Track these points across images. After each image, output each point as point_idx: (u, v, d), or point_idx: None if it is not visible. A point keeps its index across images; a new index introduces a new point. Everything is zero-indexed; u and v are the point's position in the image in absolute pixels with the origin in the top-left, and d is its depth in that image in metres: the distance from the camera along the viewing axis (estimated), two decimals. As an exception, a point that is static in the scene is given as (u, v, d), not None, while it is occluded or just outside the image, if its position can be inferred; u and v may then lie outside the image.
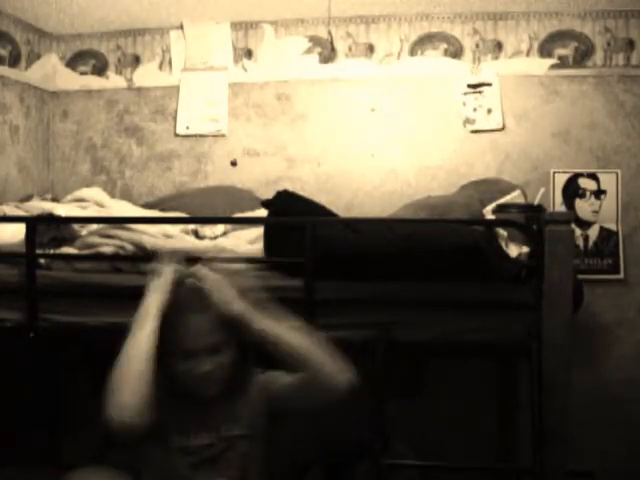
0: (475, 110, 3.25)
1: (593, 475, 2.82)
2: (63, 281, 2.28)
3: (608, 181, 3.15)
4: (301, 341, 1.53)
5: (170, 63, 3.51)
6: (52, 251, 2.35)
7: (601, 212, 3.14)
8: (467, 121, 3.26)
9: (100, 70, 3.59)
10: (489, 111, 3.24)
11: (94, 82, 3.58)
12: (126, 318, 2.19)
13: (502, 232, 2.36)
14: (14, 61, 3.32)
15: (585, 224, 3.15)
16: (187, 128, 3.47)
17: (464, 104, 3.26)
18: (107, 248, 2.29)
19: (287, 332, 1.54)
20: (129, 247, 2.29)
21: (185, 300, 1.58)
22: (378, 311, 2.15)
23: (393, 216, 2.74)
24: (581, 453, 2.82)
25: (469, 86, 3.27)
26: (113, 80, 3.57)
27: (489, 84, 3.25)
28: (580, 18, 3.19)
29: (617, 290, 3.13)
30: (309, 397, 1.57)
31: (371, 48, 3.35)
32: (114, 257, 2.28)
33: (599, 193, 3.15)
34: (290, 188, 2.56)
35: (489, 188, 2.85)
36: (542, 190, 2.91)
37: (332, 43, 3.35)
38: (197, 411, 1.60)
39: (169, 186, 3.47)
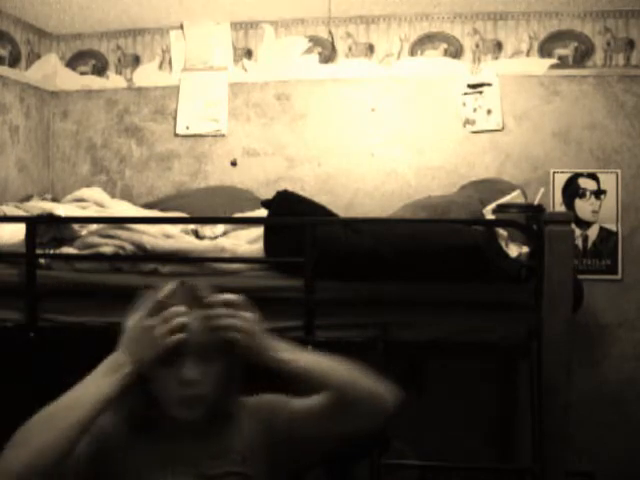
0: (475, 111, 3.25)
1: (593, 475, 2.82)
2: (63, 281, 2.28)
3: (608, 181, 3.15)
4: (339, 371, 1.32)
5: (170, 63, 3.51)
6: (52, 251, 2.35)
7: (601, 212, 3.15)
8: (467, 122, 3.26)
9: (100, 70, 3.59)
10: (489, 112, 3.24)
11: (94, 82, 3.58)
12: (126, 318, 2.22)
13: (502, 232, 2.36)
14: (14, 61, 3.32)
15: (585, 224, 3.15)
16: (187, 128, 3.47)
17: (464, 104, 3.26)
18: (107, 248, 2.29)
19: (328, 363, 1.33)
20: (129, 247, 2.29)
21: (171, 296, 1.30)
22: (378, 311, 2.15)
23: (393, 216, 2.74)
24: (581, 453, 2.83)
25: (469, 86, 3.27)
26: (113, 80, 3.57)
27: (489, 84, 3.25)
28: (580, 18, 3.19)
29: (616, 290, 3.13)
30: (346, 420, 1.34)
31: (371, 48, 3.35)
32: (114, 257, 2.28)
33: (599, 193, 3.15)
34: (290, 188, 2.56)
35: (489, 188, 2.85)
36: (542, 190, 2.91)
37: (333, 43, 3.35)
38: (173, 444, 1.31)
39: (169, 186, 3.47)
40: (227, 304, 1.28)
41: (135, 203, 3.21)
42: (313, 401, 1.37)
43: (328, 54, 3.39)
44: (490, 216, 2.57)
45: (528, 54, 3.24)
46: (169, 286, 1.33)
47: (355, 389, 1.32)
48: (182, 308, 1.25)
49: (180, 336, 1.23)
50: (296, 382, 1.33)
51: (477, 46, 3.28)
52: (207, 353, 1.27)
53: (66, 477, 1.22)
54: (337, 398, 1.32)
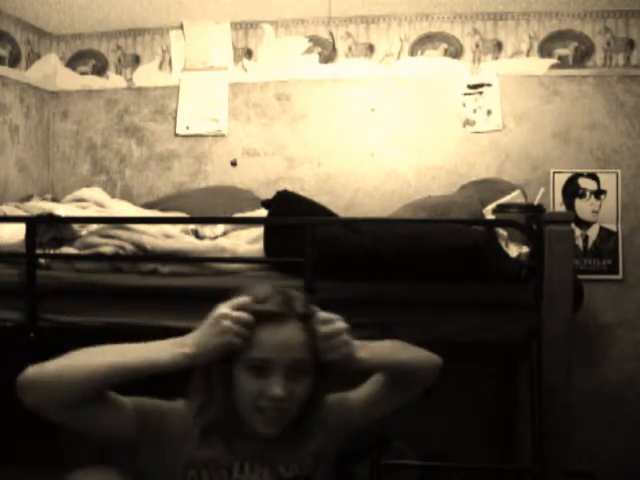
0: (475, 111, 3.25)
1: (593, 475, 2.82)
2: (63, 281, 2.28)
3: (608, 181, 3.15)
4: (400, 352, 1.39)
5: (170, 63, 3.51)
6: (52, 251, 2.35)
7: (601, 212, 3.15)
8: (467, 122, 3.26)
9: (100, 70, 3.59)
10: (489, 112, 3.24)
11: (94, 82, 3.58)
12: (126, 318, 2.22)
13: (502, 232, 2.36)
14: (14, 61, 3.32)
15: (585, 224, 3.15)
16: (187, 128, 3.47)
17: (464, 105, 3.26)
18: (107, 248, 2.29)
19: (389, 351, 1.39)
20: (129, 247, 2.29)
21: (270, 304, 1.27)
22: (378, 311, 2.15)
23: (393, 216, 2.74)
24: (581, 453, 2.83)
25: (469, 86, 3.27)
26: (113, 80, 3.57)
27: (489, 84, 3.25)
28: (580, 18, 3.19)
29: (616, 290, 3.13)
30: (402, 394, 1.43)
31: (371, 48, 3.35)
32: (114, 257, 2.28)
33: (599, 193, 3.15)
34: (290, 188, 2.56)
35: (489, 188, 2.85)
36: (542, 190, 2.91)
37: (333, 43, 3.35)
38: (248, 444, 1.31)
39: (169, 186, 3.47)
40: (325, 321, 1.29)
41: (135, 203, 3.21)
42: (369, 387, 1.43)
43: (328, 54, 3.39)
44: (490, 216, 2.57)
45: (528, 54, 3.24)
46: (264, 289, 1.31)
47: (411, 365, 1.40)
48: (252, 319, 1.23)
49: (236, 342, 1.22)
50: (369, 374, 1.40)
51: (477, 46, 3.28)
52: (296, 371, 1.25)
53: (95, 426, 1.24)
54: (395, 378, 1.39)
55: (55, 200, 3.08)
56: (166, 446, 1.28)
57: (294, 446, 1.33)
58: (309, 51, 3.40)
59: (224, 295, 1.30)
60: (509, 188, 2.81)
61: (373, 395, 1.43)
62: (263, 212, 2.44)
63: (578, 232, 3.10)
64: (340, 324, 1.30)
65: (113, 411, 1.24)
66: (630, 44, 3.16)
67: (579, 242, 3.12)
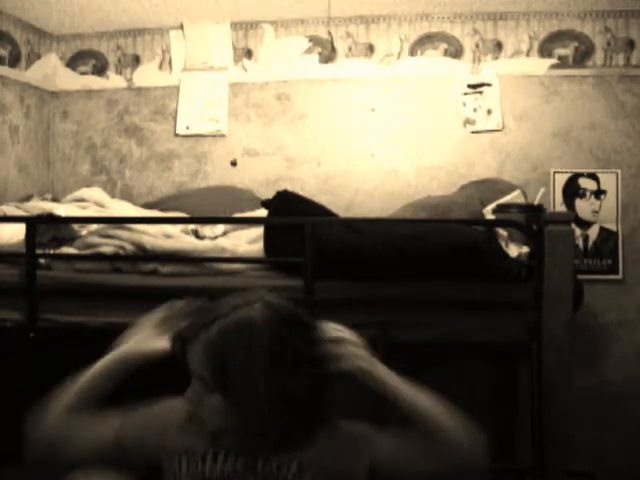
0: (475, 110, 3.25)
1: (593, 475, 2.82)
2: (63, 281, 2.28)
3: (608, 181, 3.15)
4: (426, 400, 1.37)
5: (170, 63, 3.51)
6: (52, 251, 2.35)
7: (601, 212, 3.15)
8: (467, 122, 3.26)
9: (100, 70, 3.59)
10: (489, 112, 3.24)
11: (94, 82, 3.58)
12: (126, 318, 2.22)
13: (502, 232, 2.36)
14: (14, 61, 3.32)
15: (585, 224, 3.15)
16: (187, 128, 3.47)
17: (464, 104, 3.26)
18: (107, 248, 2.29)
19: (409, 388, 1.38)
20: (129, 247, 2.29)
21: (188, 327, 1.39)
22: (378, 311, 2.15)
23: (393, 216, 2.74)
24: (581, 453, 2.83)
25: (469, 86, 3.27)
26: (113, 80, 3.57)
27: (489, 84, 3.25)
28: (580, 18, 3.19)
29: (617, 290, 3.13)
30: (428, 465, 1.33)
31: (371, 48, 3.35)
32: (114, 257, 2.28)
33: (599, 193, 3.15)
34: (290, 188, 2.56)
35: (489, 188, 2.85)
36: (542, 190, 2.91)
37: (332, 43, 3.35)
38: (226, 436, 1.37)
39: (169, 186, 3.47)
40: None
41: (135, 203, 3.21)
42: (404, 436, 1.37)
43: (328, 54, 3.39)
44: (490, 216, 2.57)
45: (528, 54, 3.24)
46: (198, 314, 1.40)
47: (438, 423, 1.34)
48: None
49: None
50: (386, 403, 1.37)
51: (477, 46, 3.28)
52: (204, 383, 1.32)
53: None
54: (421, 430, 1.34)
55: (55, 200, 3.08)
56: (156, 439, 1.40)
57: (276, 447, 1.35)
58: (309, 51, 3.40)
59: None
60: (509, 188, 2.81)
61: (404, 446, 1.36)
62: (263, 212, 2.44)
63: (578, 232, 3.10)
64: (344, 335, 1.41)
65: (99, 419, 1.41)
66: (630, 44, 3.16)
67: (579, 242, 3.12)
